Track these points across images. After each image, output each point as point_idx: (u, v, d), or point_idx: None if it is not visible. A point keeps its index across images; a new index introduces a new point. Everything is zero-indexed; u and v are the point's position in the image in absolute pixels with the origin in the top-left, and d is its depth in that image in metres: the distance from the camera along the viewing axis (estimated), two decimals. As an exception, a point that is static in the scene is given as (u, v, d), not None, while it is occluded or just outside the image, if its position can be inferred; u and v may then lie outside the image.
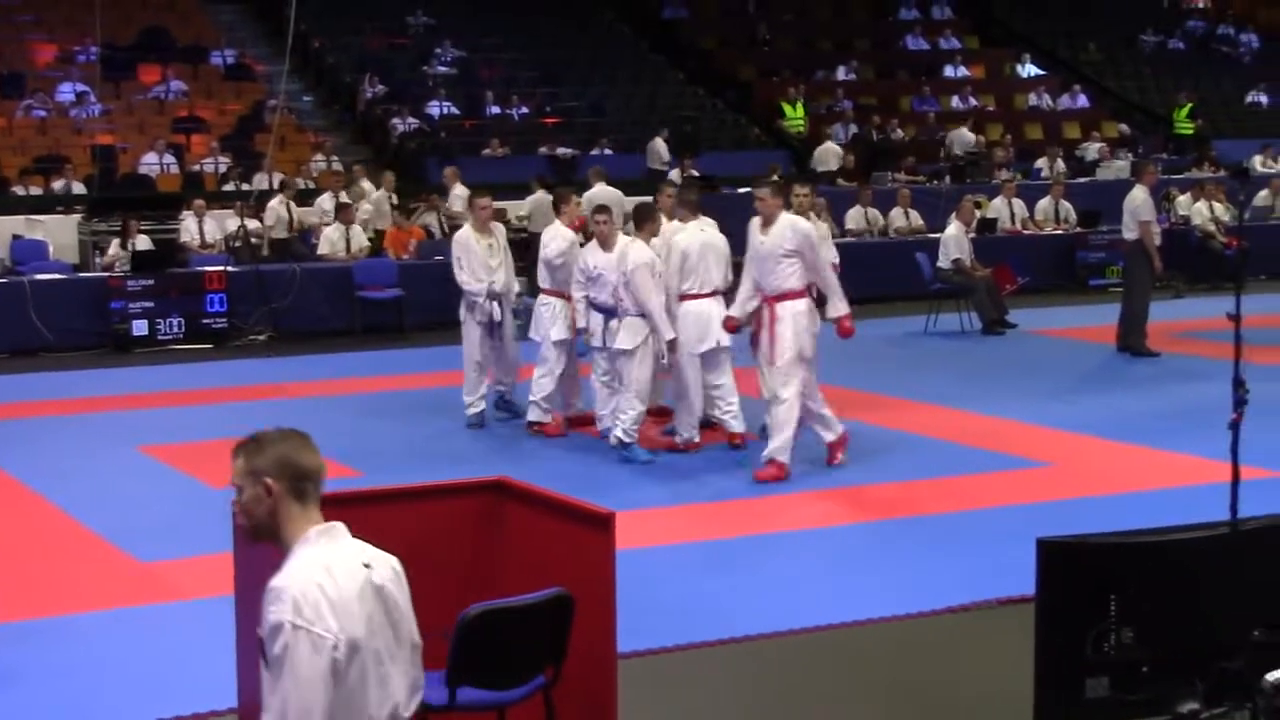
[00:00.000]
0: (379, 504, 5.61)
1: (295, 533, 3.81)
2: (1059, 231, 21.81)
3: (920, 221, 21.16)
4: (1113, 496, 9.93)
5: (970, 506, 9.87)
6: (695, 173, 21.84)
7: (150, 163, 22.28)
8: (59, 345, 16.43)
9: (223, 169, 22.36)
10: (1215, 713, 4.71)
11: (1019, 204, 21.98)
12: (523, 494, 5.75)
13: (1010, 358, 16.02)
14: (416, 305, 17.45)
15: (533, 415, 12.02)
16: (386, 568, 3.89)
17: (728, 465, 11.01)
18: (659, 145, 24.24)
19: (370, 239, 19.15)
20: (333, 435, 10.84)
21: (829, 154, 24.98)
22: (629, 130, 26.12)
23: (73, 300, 16.84)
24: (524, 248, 17.96)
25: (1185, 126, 29.09)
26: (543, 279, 12.19)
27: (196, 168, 22.63)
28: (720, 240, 11.54)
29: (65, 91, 24.28)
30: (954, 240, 17.85)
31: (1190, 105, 29.41)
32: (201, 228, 18.96)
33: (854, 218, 20.82)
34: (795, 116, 27.34)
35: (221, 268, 17.45)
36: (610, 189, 18.58)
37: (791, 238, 10.43)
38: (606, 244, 11.32)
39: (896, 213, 21.13)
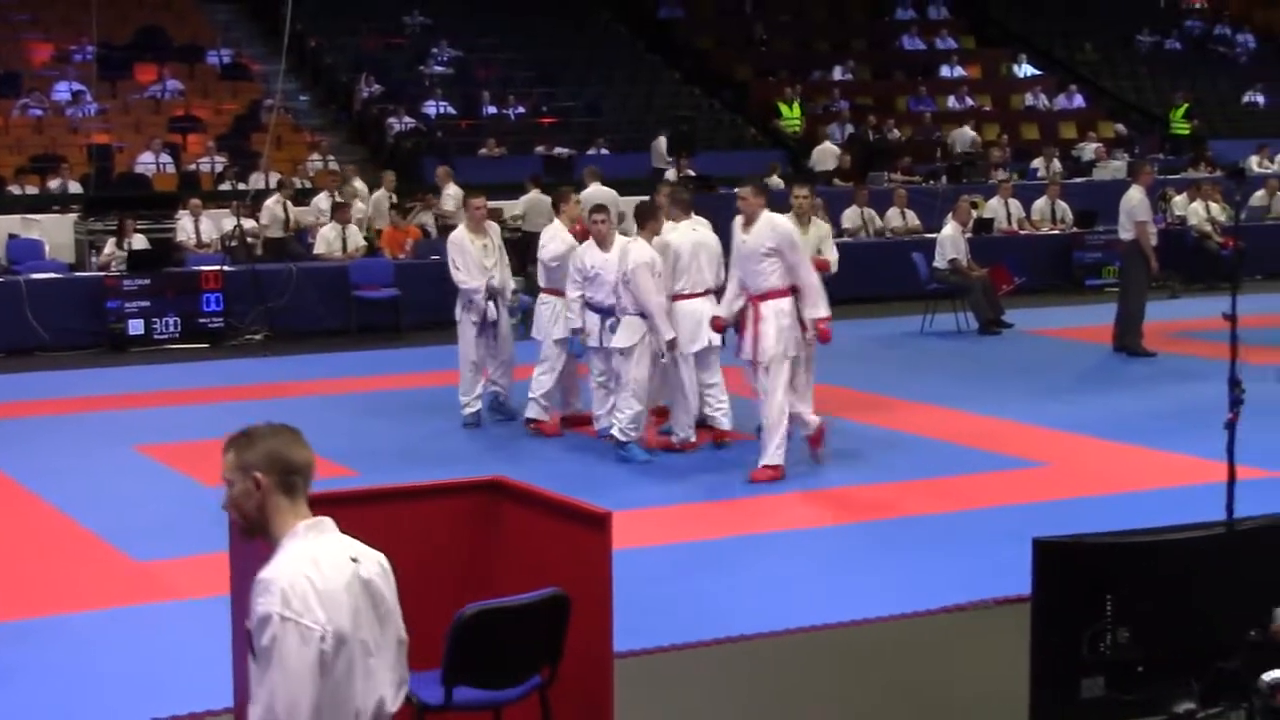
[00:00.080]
0: (375, 504, 5.61)
1: (284, 527, 3.83)
2: (1055, 232, 21.80)
3: (916, 221, 21.16)
4: (1109, 496, 9.94)
5: (966, 506, 9.87)
6: (692, 172, 21.84)
7: (146, 162, 22.26)
8: (55, 344, 16.41)
9: (219, 168, 22.35)
10: (1211, 712, 4.71)
11: (1015, 204, 21.98)
12: (519, 493, 5.74)
13: (1006, 358, 16.02)
14: (413, 305, 17.43)
15: (531, 412, 12.02)
16: (374, 563, 3.91)
17: (724, 465, 11.01)
18: (662, 145, 24.23)
19: (368, 238, 19.15)
20: (329, 435, 10.86)
21: (825, 154, 24.98)
22: (625, 130, 26.12)
23: (68, 299, 16.82)
24: (522, 247, 17.97)
25: (1181, 127, 29.10)
26: (542, 278, 12.22)
27: (193, 167, 22.61)
28: (713, 240, 11.55)
29: (61, 90, 24.26)
30: (950, 240, 17.85)
31: (1186, 105, 29.41)
32: (198, 227, 18.94)
33: (850, 217, 20.81)
34: (791, 116, 27.34)
35: (217, 267, 17.43)
36: (606, 189, 18.57)
37: (771, 237, 10.39)
38: (604, 243, 11.33)
39: (893, 213, 21.12)
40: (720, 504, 10.08)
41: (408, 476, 8.27)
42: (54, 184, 21.02)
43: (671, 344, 10.99)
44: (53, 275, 17.40)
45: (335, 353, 16.34)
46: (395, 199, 20.46)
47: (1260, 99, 31.74)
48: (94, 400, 13.80)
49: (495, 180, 20.75)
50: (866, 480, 10.58)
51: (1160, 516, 6.23)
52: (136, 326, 16.79)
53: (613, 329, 11.10)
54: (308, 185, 21.42)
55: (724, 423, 11.45)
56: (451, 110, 26.10)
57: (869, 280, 18.67)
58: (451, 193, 19.91)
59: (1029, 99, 30.21)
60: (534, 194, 20.09)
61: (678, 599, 7.96)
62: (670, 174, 21.28)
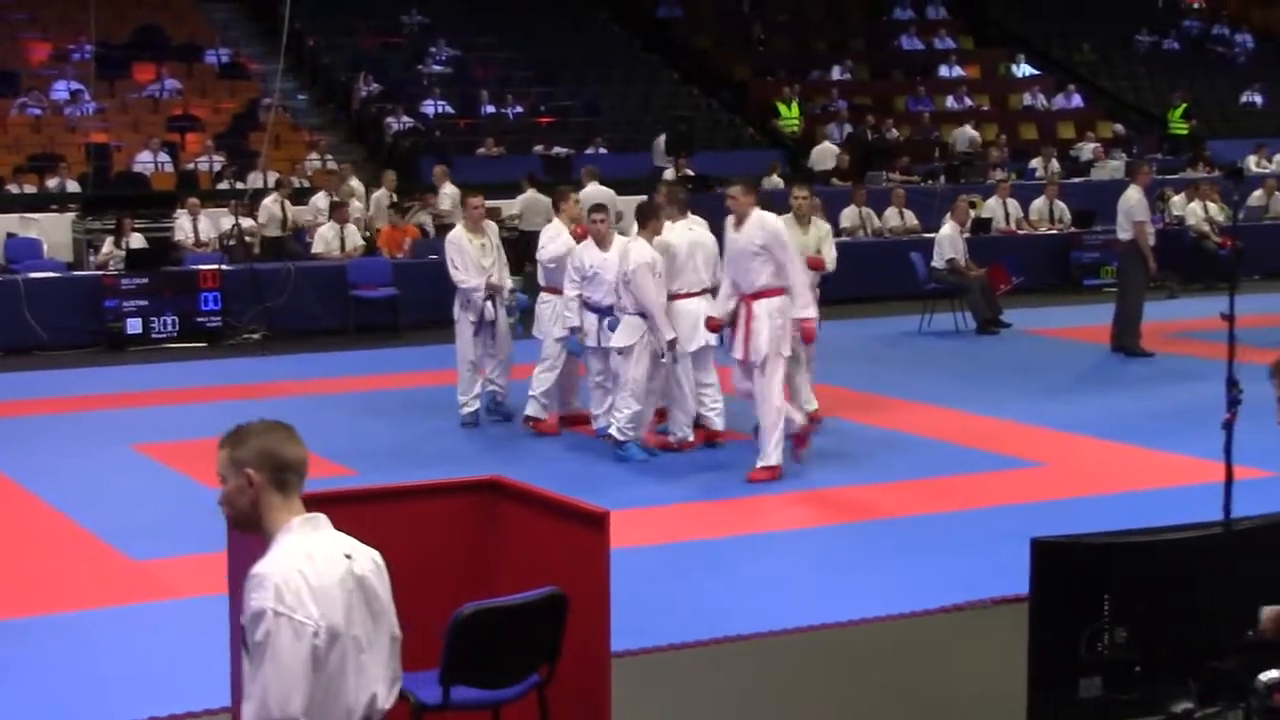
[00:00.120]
0: (373, 503, 5.61)
1: (277, 522, 3.85)
2: (1053, 231, 21.79)
3: (915, 221, 21.14)
4: (1107, 496, 9.95)
5: (964, 506, 9.88)
6: (690, 172, 21.84)
7: (145, 161, 22.25)
8: (53, 344, 16.40)
9: (217, 167, 22.34)
10: (1208, 712, 4.71)
11: (1014, 204, 21.97)
12: (517, 493, 5.74)
13: (1004, 358, 16.02)
14: (411, 304, 17.42)
15: (530, 410, 12.02)
16: (367, 559, 3.93)
17: (722, 465, 11.00)
18: (662, 144, 24.22)
19: (366, 238, 19.14)
20: (327, 434, 10.90)
21: (824, 154, 24.97)
22: (623, 130, 26.12)
23: (67, 299, 16.81)
24: (520, 246, 17.95)
25: (1180, 127, 29.11)
26: (542, 277, 12.23)
27: (191, 166, 22.61)
28: (709, 239, 11.54)
29: (60, 90, 24.26)
30: (948, 240, 17.85)
31: (1185, 105, 29.42)
32: (196, 226, 18.93)
33: (848, 217, 20.80)
34: (790, 116, 27.34)
35: (216, 266, 17.42)
36: (603, 188, 18.55)
37: (760, 235, 10.39)
38: (603, 243, 11.33)
39: (891, 212, 21.11)
40: (718, 503, 10.08)
41: (406, 476, 8.27)
42: (52, 183, 21.03)
43: (672, 344, 10.99)
44: (51, 274, 17.39)
45: (333, 352, 16.33)
46: (395, 198, 20.46)
47: (1258, 99, 31.75)
48: (92, 399, 13.80)
49: (494, 180, 20.76)
50: (865, 480, 10.58)
51: (1158, 516, 6.24)
52: (134, 325, 16.78)
53: (611, 328, 11.10)
54: (306, 184, 21.41)
55: (717, 422, 11.45)
56: (450, 109, 26.10)
57: (867, 280, 18.67)
58: (448, 192, 19.90)
59: (1027, 99, 30.21)
60: (530, 193, 20.08)
61: (676, 598, 7.96)
62: (669, 174, 21.27)
